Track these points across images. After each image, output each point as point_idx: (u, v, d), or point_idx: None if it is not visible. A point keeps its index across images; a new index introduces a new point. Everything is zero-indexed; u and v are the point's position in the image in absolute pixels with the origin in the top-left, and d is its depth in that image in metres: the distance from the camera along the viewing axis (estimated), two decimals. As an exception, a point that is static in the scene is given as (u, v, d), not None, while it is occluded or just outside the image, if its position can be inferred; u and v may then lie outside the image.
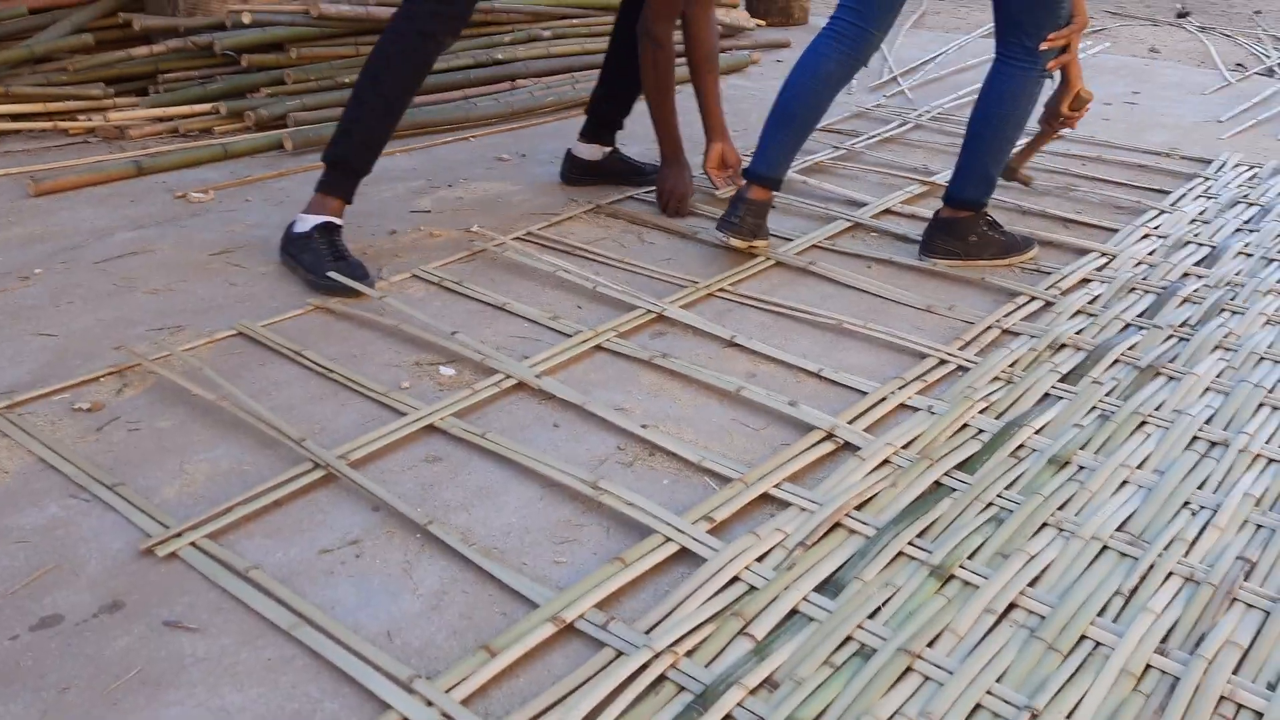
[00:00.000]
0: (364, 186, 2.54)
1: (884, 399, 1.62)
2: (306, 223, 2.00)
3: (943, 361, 1.75)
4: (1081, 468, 1.46)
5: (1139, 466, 1.47)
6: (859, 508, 1.36)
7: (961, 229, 2.13)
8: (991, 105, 2.01)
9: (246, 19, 3.03)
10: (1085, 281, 2.08)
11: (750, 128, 3.25)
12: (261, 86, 3.00)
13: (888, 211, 2.49)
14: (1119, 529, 1.34)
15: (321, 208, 2.02)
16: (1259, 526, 1.34)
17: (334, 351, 1.74)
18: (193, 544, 1.26)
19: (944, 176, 2.70)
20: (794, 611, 1.19)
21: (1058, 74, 2.06)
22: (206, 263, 2.08)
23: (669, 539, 1.29)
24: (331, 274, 1.93)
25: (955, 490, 1.40)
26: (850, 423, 1.55)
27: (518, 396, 1.62)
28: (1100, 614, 1.19)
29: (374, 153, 2.01)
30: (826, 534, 1.31)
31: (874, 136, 3.09)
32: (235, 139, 2.77)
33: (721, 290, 2.02)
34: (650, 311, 1.89)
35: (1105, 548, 1.30)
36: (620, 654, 1.11)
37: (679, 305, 1.93)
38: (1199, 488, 1.43)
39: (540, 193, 2.55)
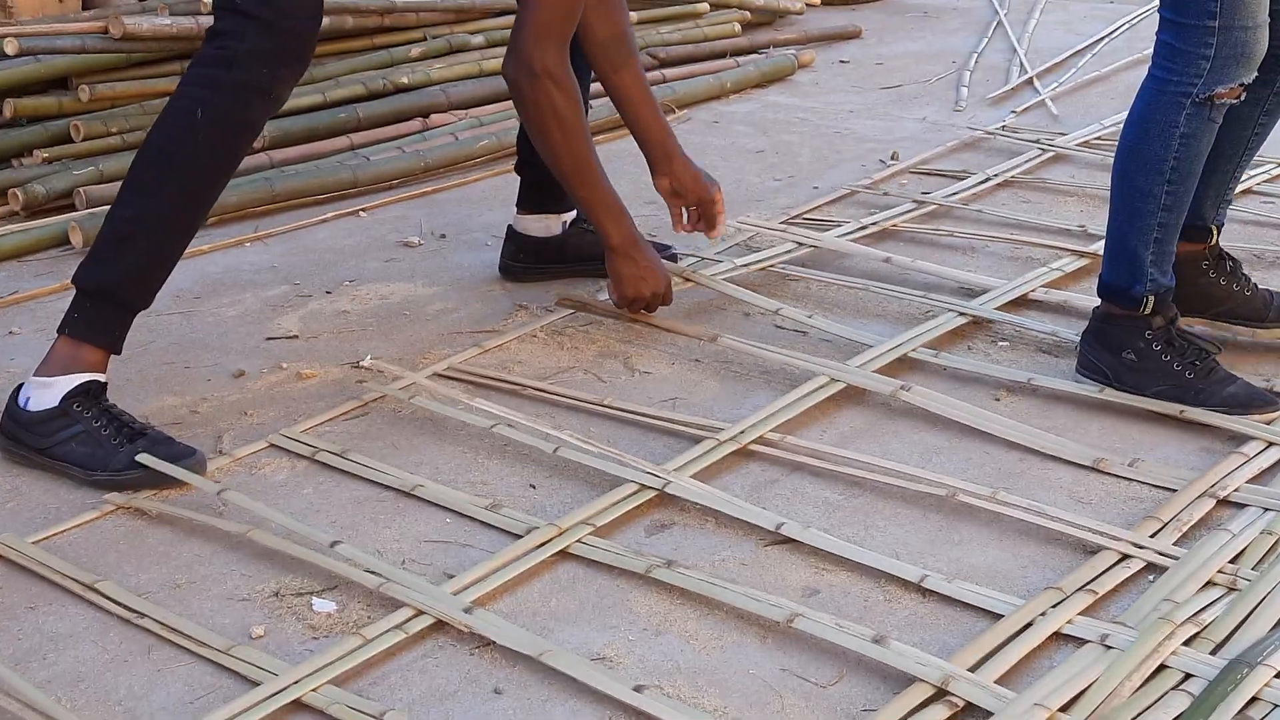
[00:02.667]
0: (196, 300, 2.60)
1: (1028, 625, 1.61)
2: (52, 391, 1.99)
3: (1124, 557, 1.75)
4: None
5: None
6: (994, 817, 1.34)
7: (1112, 337, 2.16)
8: (1124, 134, 2.11)
9: (10, 47, 3.11)
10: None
11: (801, 172, 3.32)
12: (36, 148, 3.08)
13: (1023, 300, 2.52)
14: None
15: (74, 362, 2.01)
16: None
17: (146, 580, 1.75)
18: None
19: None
20: None
21: None
22: (-55, 439, 2.11)
23: None
24: (141, 458, 1.93)
25: (1152, 780, 1.39)
26: (974, 669, 1.54)
27: (437, 643, 1.62)
28: None
29: (160, 275, 2.04)
30: None
31: (993, 179, 3.14)
32: (-6, 233, 2.83)
33: (761, 443, 2.03)
34: (645, 488, 1.90)
35: None
36: None
37: (690, 474, 1.94)
38: None
39: (471, 296, 2.59)
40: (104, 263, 2.02)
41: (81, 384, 2.00)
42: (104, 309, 2.02)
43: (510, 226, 2.67)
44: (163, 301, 2.57)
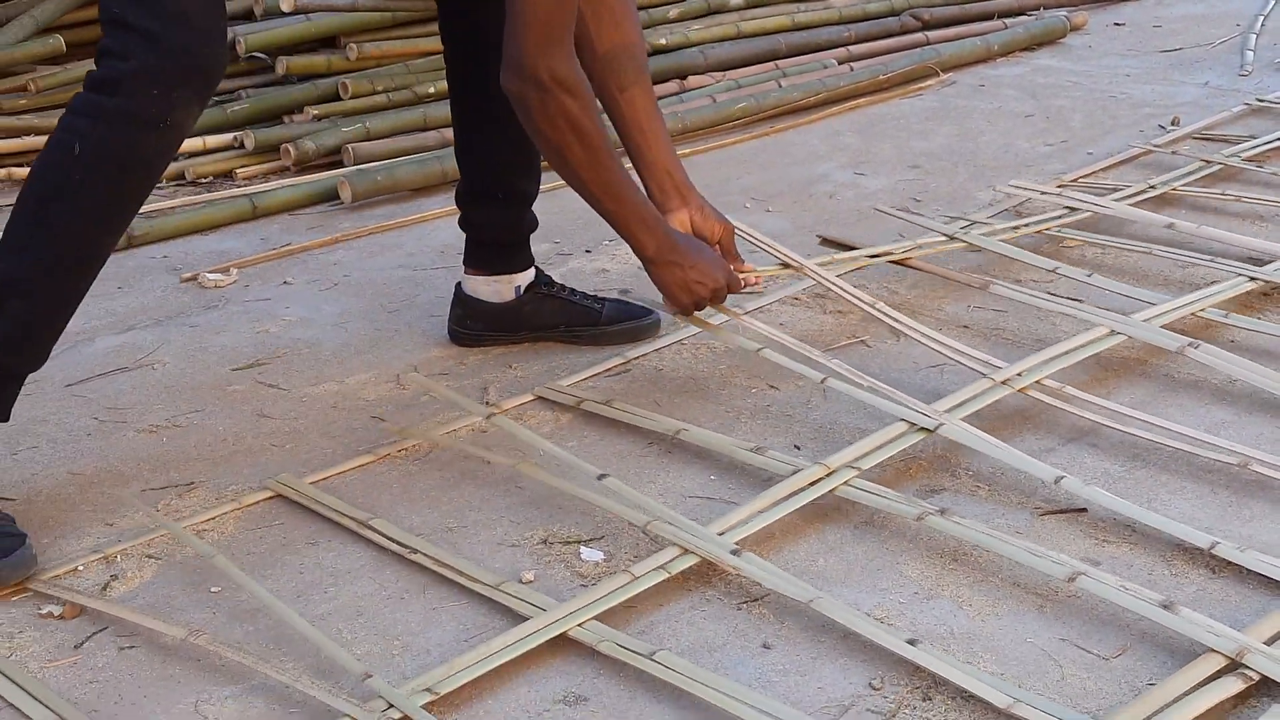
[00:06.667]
0: (460, 256, 2.68)
1: (1329, 600, 1.58)
2: None
3: None
4: None
5: None
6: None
7: None
8: None
9: (287, 5, 3.32)
10: None
11: (1074, 137, 3.28)
12: (306, 105, 3.27)
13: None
14: None
15: None
16: None
17: (418, 523, 1.85)
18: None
19: None
20: None
21: None
22: (227, 382, 2.26)
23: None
24: None
25: None
26: (1271, 643, 1.51)
27: (704, 595, 1.67)
28: None
29: (47, 336, 1.80)
30: None
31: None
32: (267, 187, 3.02)
33: (1037, 388, 2.03)
34: (915, 427, 1.93)
35: None
36: None
37: (962, 415, 1.96)
38: None
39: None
40: None
41: None
42: None
43: (458, 285, 2.40)
44: (428, 256, 2.73)
